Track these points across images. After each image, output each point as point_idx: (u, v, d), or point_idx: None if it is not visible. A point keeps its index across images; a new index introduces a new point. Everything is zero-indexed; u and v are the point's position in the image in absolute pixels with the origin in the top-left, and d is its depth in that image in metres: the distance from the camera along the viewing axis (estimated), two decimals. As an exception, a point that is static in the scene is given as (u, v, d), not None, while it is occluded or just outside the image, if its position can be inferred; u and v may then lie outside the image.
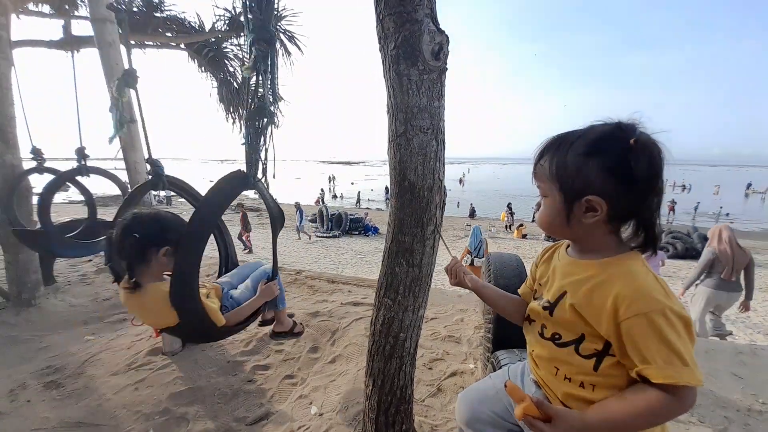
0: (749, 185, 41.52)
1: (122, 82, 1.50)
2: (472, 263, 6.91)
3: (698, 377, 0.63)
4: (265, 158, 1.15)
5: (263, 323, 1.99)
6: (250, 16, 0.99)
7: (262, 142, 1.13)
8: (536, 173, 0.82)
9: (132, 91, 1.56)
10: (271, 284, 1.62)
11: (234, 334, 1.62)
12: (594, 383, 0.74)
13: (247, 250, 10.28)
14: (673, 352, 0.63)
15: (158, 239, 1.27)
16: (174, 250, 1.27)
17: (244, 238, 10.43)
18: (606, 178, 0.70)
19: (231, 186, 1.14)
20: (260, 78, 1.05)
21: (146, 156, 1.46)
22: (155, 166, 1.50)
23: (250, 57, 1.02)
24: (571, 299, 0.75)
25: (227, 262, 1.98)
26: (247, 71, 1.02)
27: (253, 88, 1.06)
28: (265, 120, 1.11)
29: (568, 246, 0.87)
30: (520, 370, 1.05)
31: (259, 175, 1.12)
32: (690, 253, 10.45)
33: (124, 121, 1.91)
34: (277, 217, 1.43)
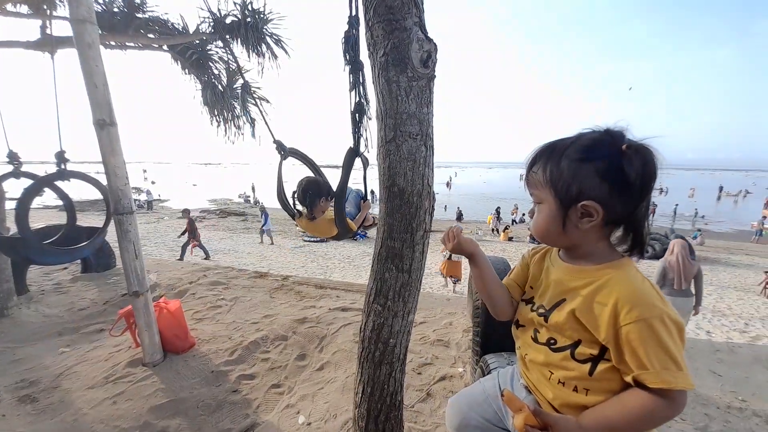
0: (721, 188, 43.34)
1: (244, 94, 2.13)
2: (450, 257, 7.49)
3: (691, 381, 0.65)
4: (366, 138, 1.77)
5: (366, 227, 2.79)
6: (347, 55, 1.49)
7: (362, 130, 1.74)
8: (529, 180, 0.82)
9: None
10: (368, 201, 2.56)
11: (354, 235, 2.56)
12: (588, 388, 0.74)
13: (204, 256, 9.19)
14: (669, 358, 0.64)
15: (320, 193, 2.24)
16: (327, 198, 2.27)
17: (190, 245, 9.21)
18: (600, 183, 0.71)
19: (349, 157, 1.82)
20: (356, 91, 1.62)
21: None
22: (280, 144, 2.36)
23: (349, 81, 1.58)
24: (571, 305, 0.76)
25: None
26: (349, 91, 1.61)
27: (351, 98, 1.64)
28: (363, 115, 1.68)
29: (560, 250, 0.88)
30: (509, 374, 1.05)
31: (362, 148, 1.81)
32: (668, 254, 10.83)
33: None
34: (365, 163, 2.06)
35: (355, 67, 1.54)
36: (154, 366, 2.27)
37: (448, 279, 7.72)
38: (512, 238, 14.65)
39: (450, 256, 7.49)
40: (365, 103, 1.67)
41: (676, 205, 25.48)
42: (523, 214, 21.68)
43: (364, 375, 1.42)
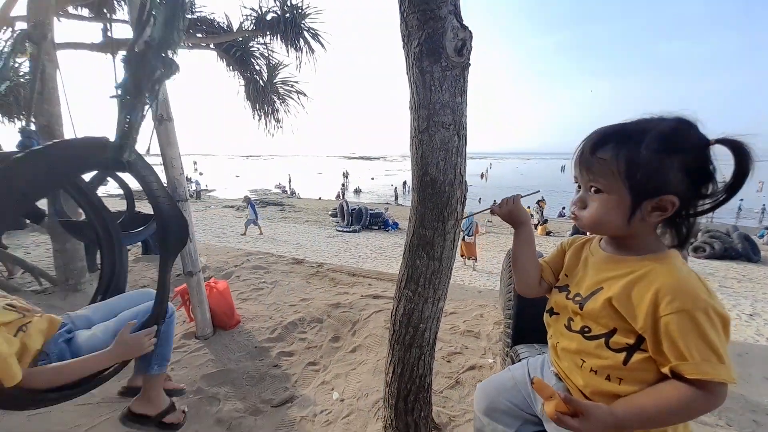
0: (799, 181, 38.39)
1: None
2: (463, 239, 8.01)
3: (733, 375, 0.63)
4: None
5: (125, 392, 1.32)
6: None
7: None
8: (591, 168, 0.75)
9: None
10: (142, 333, 1.09)
11: (49, 405, 1.03)
12: (621, 377, 0.74)
13: None
14: (711, 349, 0.63)
15: None
16: None
17: None
18: (684, 178, 0.67)
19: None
20: None
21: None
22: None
23: None
24: (608, 293, 0.75)
25: (109, 284, 1.54)
26: None
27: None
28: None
29: (601, 239, 0.87)
30: (539, 362, 1.06)
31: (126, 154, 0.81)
32: (729, 253, 9.85)
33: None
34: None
35: None
36: (205, 339, 2.50)
37: (466, 260, 8.22)
38: (551, 232, 14.05)
39: (464, 237, 7.93)
40: None
41: (741, 200, 22.98)
42: (563, 208, 20.59)
43: (395, 357, 1.48)
